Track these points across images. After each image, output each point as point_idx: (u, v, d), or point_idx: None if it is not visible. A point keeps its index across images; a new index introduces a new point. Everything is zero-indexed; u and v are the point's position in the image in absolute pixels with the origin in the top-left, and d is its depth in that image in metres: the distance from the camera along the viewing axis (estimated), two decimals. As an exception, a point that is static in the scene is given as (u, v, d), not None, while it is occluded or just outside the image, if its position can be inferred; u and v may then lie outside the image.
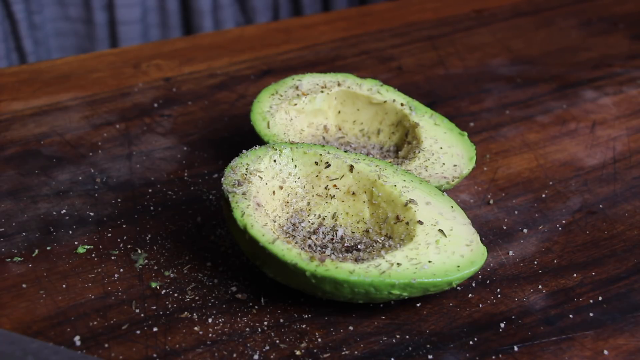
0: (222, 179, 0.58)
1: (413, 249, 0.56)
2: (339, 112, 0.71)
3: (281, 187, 0.61)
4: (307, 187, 0.62)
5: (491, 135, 0.76)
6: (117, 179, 0.69)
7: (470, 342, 0.54)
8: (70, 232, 0.63)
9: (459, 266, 0.55)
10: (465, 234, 0.57)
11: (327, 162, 0.61)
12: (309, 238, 0.59)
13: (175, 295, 0.58)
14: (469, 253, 0.56)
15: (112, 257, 0.61)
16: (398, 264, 0.54)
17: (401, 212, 0.59)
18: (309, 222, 0.61)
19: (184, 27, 1.36)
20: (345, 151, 0.63)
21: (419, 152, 0.66)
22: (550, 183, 0.70)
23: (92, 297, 0.57)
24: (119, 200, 0.66)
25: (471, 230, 0.58)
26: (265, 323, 0.56)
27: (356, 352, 0.54)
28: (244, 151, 0.61)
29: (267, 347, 0.54)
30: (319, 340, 0.54)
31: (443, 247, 0.56)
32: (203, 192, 0.68)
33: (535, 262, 0.61)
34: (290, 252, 0.54)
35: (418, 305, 0.57)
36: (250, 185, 0.58)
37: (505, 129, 0.77)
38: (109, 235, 0.63)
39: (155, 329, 0.55)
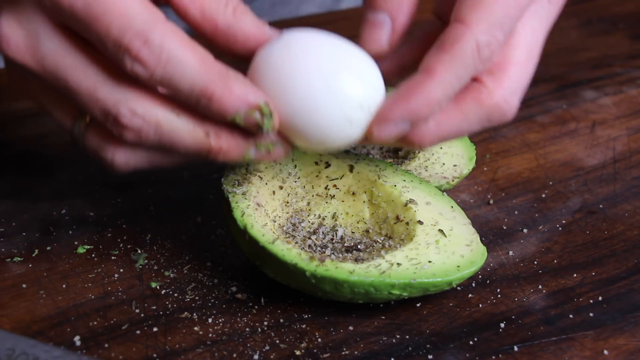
0: (222, 179, 0.58)
1: (413, 249, 0.56)
2: (339, 112, 0.71)
3: (281, 187, 0.61)
4: (307, 187, 0.62)
5: (491, 135, 0.76)
6: (117, 179, 0.69)
7: (470, 342, 0.54)
8: (70, 232, 0.63)
9: (459, 266, 0.55)
10: (465, 234, 0.57)
11: (327, 162, 0.61)
12: (309, 238, 0.59)
13: (175, 295, 0.58)
14: (469, 253, 0.56)
15: (112, 257, 0.61)
16: (398, 264, 0.54)
17: (401, 212, 0.59)
18: (309, 222, 0.61)
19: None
20: (346, 151, 0.63)
21: (418, 152, 0.66)
22: (550, 183, 0.70)
23: (92, 297, 0.57)
24: (119, 200, 0.66)
25: (471, 230, 0.58)
26: (265, 323, 0.56)
27: (356, 352, 0.54)
28: (244, 151, 0.61)
29: (267, 347, 0.54)
30: (319, 340, 0.54)
31: (443, 247, 0.56)
32: (203, 192, 0.68)
33: (535, 262, 0.61)
34: (290, 252, 0.54)
35: (418, 305, 0.57)
36: (250, 185, 0.58)
37: (505, 129, 0.77)
38: (109, 235, 0.63)
39: (155, 329, 0.55)
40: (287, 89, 0.51)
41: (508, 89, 0.54)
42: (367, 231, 0.60)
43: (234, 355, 0.53)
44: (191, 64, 0.48)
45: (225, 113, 0.49)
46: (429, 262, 0.55)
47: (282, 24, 0.96)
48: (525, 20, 0.56)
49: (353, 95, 0.52)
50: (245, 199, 0.57)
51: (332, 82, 0.51)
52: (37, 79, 0.52)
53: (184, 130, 0.50)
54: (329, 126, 0.52)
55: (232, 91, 0.49)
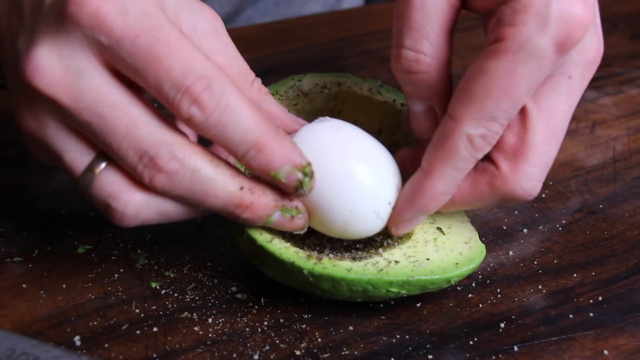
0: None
1: (411, 246, 0.56)
2: (339, 112, 0.71)
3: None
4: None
5: (491, 135, 0.76)
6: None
7: (470, 342, 0.54)
8: (70, 232, 0.63)
9: (457, 263, 0.55)
10: (463, 231, 0.57)
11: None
12: (307, 237, 0.58)
13: (175, 295, 0.58)
14: (467, 250, 0.56)
15: (112, 257, 0.61)
16: (396, 261, 0.54)
17: (401, 212, 0.59)
18: (309, 221, 0.61)
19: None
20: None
21: (419, 152, 0.66)
22: (550, 183, 0.70)
23: (92, 297, 0.57)
24: (119, 200, 0.66)
25: (470, 228, 0.58)
26: (265, 323, 0.56)
27: (356, 352, 0.54)
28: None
29: (267, 347, 0.54)
30: (319, 340, 0.54)
31: (441, 245, 0.56)
32: (203, 192, 0.68)
33: (535, 262, 0.61)
34: (287, 250, 0.54)
35: (418, 305, 0.57)
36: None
37: (506, 129, 0.77)
38: (109, 235, 0.63)
39: (155, 329, 0.55)
40: (331, 169, 0.53)
41: (524, 175, 0.54)
42: (367, 231, 0.60)
43: (234, 355, 0.53)
44: (247, 114, 0.49)
45: (271, 167, 0.50)
46: (427, 259, 0.55)
47: (285, 24, 0.97)
48: (540, 99, 0.54)
49: (387, 191, 0.55)
50: (245, 199, 0.57)
51: (373, 174, 0.54)
52: (59, 116, 0.50)
53: (219, 180, 0.50)
54: (357, 213, 0.54)
55: (282, 147, 0.50)
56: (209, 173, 0.50)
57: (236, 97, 0.49)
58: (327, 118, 0.56)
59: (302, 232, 0.55)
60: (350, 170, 0.53)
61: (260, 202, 0.52)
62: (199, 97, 0.48)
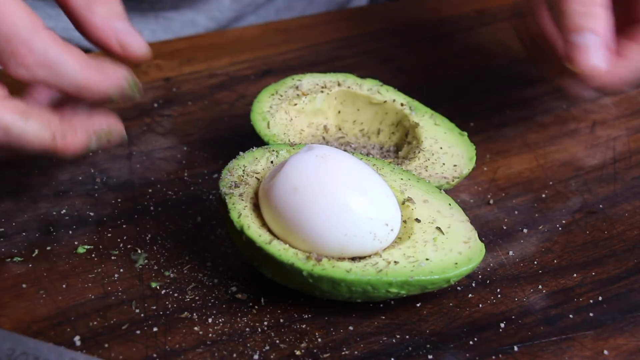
0: (219, 181, 0.58)
1: (410, 246, 0.56)
2: (339, 112, 0.71)
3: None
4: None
5: (491, 135, 0.76)
6: (117, 179, 0.69)
7: (470, 342, 0.54)
8: (70, 232, 0.63)
9: (456, 263, 0.55)
10: (463, 231, 0.57)
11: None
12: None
13: (175, 295, 0.58)
14: (466, 250, 0.56)
15: (112, 257, 0.61)
16: (395, 262, 0.54)
17: (400, 212, 0.59)
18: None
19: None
20: (344, 151, 0.62)
21: (419, 152, 0.66)
22: (550, 183, 0.70)
23: (92, 297, 0.57)
24: (119, 200, 0.66)
25: (469, 228, 0.58)
26: (265, 323, 0.56)
27: (356, 352, 0.54)
28: (240, 153, 0.61)
29: (267, 347, 0.54)
30: (319, 340, 0.54)
31: (441, 245, 0.56)
32: (203, 192, 0.68)
33: (535, 262, 0.61)
34: (287, 252, 0.54)
35: (418, 305, 0.57)
36: (247, 186, 0.58)
37: (506, 129, 0.77)
38: (109, 235, 0.63)
39: (155, 329, 0.55)
40: (321, 197, 0.54)
41: None
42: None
43: (234, 355, 0.53)
44: (71, 64, 0.55)
45: (103, 96, 0.56)
46: (427, 259, 0.55)
47: (285, 24, 0.97)
48: None
49: (381, 212, 0.55)
50: (242, 200, 0.57)
51: (364, 199, 0.55)
52: None
53: (30, 133, 0.55)
54: (351, 236, 0.54)
55: (107, 77, 0.56)
56: (19, 128, 0.54)
57: (59, 50, 0.54)
58: (314, 145, 0.56)
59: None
60: (339, 197, 0.54)
61: (74, 141, 0.57)
62: (23, 60, 0.54)
